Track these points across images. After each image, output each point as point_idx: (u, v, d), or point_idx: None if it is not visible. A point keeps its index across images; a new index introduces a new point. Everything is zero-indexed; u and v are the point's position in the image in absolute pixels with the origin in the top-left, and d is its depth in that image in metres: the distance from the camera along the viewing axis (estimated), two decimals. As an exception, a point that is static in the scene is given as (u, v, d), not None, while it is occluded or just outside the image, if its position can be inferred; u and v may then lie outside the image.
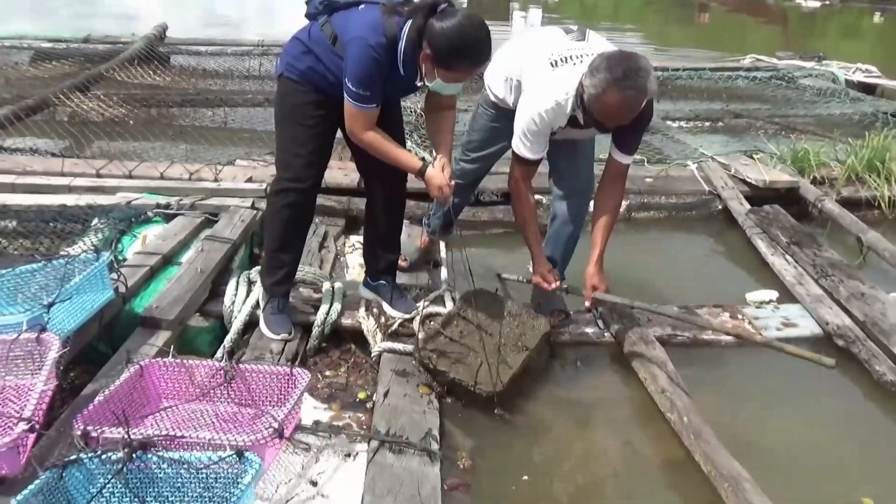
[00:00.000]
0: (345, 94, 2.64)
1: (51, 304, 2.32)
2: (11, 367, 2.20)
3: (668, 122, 6.54)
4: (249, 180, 4.35)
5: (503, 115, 3.20)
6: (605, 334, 3.32)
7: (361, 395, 2.93)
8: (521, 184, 3.05)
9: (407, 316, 3.20)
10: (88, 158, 4.69)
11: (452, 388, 2.88)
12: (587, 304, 3.17)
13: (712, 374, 3.17)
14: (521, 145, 2.94)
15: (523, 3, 22.63)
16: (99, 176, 4.35)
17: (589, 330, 3.35)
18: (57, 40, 8.23)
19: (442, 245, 4.00)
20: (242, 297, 3.16)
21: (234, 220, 3.67)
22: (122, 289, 2.90)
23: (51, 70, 7.16)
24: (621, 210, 4.71)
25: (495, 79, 3.18)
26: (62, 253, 3.16)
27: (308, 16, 2.84)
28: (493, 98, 3.24)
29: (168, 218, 3.69)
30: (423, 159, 2.83)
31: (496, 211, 4.65)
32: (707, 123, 6.81)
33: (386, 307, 3.25)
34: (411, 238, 3.98)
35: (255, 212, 3.81)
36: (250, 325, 3.13)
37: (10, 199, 3.82)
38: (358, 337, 3.21)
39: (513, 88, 3.08)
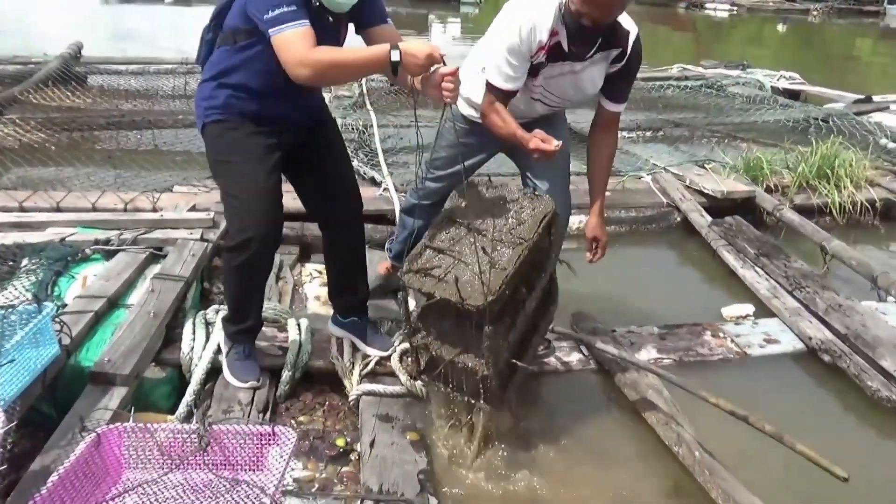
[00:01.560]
0: (269, 33, 2.21)
1: (-10, 371, 1.96)
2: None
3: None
4: (193, 208, 4.00)
5: (474, 132, 2.97)
6: (591, 362, 3.14)
7: (340, 442, 2.65)
8: (497, 110, 2.68)
9: (384, 353, 2.94)
10: (8, 189, 4.25)
11: (443, 369, 2.43)
12: (588, 255, 3.01)
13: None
14: (495, 72, 2.63)
15: (441, 17, 22.58)
16: (23, 210, 3.92)
17: (573, 357, 3.16)
18: (-38, 61, 7.60)
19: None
20: (202, 343, 2.83)
21: (184, 255, 3.32)
22: (66, 340, 2.53)
23: (-45, 93, 6.57)
24: (581, 226, 4.61)
25: (467, 84, 2.94)
26: (-8, 302, 2.77)
27: (201, 58, 2.58)
28: (464, 112, 3.00)
29: (108, 255, 3.31)
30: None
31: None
32: (648, 133, 6.77)
33: (360, 345, 2.98)
34: (371, 265, 3.69)
35: (205, 244, 3.46)
36: (212, 371, 2.80)
37: (-77, 240, 3.37)
38: (331, 378, 2.93)
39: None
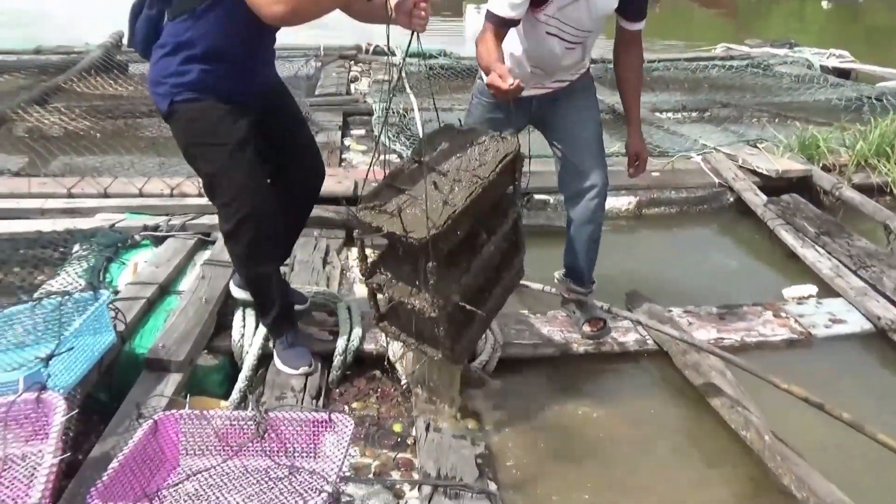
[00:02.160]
0: None
1: (49, 357, 1.93)
2: (10, 436, 1.81)
3: (658, 114, 6.32)
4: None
5: (501, 106, 2.83)
6: (649, 341, 3.04)
7: (397, 428, 2.59)
8: (486, 40, 2.53)
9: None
10: (57, 177, 4.27)
11: (397, 312, 2.33)
12: (630, 171, 3.00)
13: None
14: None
15: (478, 1, 22.40)
16: (71, 196, 3.93)
17: (631, 338, 3.06)
18: (6, 52, 7.68)
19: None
20: (252, 329, 2.79)
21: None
22: (121, 327, 2.51)
23: (2, 84, 6.67)
24: (630, 207, 4.53)
25: None
26: (46, 287, 2.76)
27: (139, 39, 2.40)
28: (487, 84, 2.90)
29: (158, 241, 3.30)
30: None
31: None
32: (695, 114, 6.60)
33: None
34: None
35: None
36: (263, 358, 2.76)
37: (-24, 228, 3.39)
38: (383, 363, 2.87)
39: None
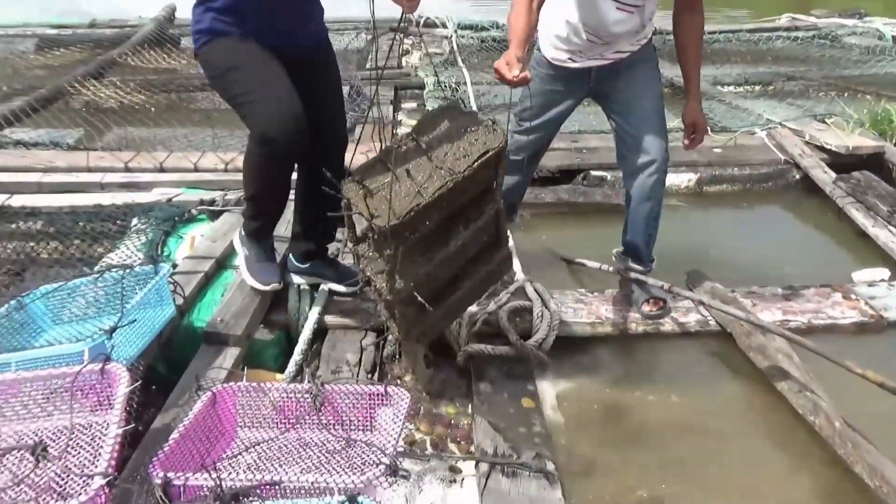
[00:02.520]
0: None
1: (113, 329, 1.98)
2: (76, 406, 1.86)
3: (720, 88, 6.17)
4: (292, 168, 3.99)
5: (559, 77, 2.87)
6: (711, 322, 2.98)
7: (451, 410, 2.60)
8: (519, 4, 2.49)
9: (353, 289, 2.85)
10: (114, 151, 4.36)
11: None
12: (686, 141, 2.92)
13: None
14: None
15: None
16: (128, 170, 4.01)
17: (692, 318, 3.00)
18: (62, 26, 7.82)
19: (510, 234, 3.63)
20: (308, 303, 2.82)
21: (287, 215, 3.30)
22: (179, 301, 2.55)
23: (59, 57, 6.81)
24: (690, 184, 4.44)
25: (547, 23, 2.81)
26: (106, 260, 2.82)
27: None
28: (547, 55, 2.88)
29: (213, 215, 3.34)
30: None
31: (560, 191, 4.27)
32: (758, 87, 6.42)
33: (331, 285, 2.88)
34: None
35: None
36: (319, 332, 2.79)
37: (38, 200, 3.48)
38: (438, 338, 2.86)
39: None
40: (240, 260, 2.76)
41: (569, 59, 2.82)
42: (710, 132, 4.81)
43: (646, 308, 2.96)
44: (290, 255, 2.90)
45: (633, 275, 3.02)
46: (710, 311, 2.99)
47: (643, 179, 2.85)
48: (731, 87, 6.36)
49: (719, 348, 2.92)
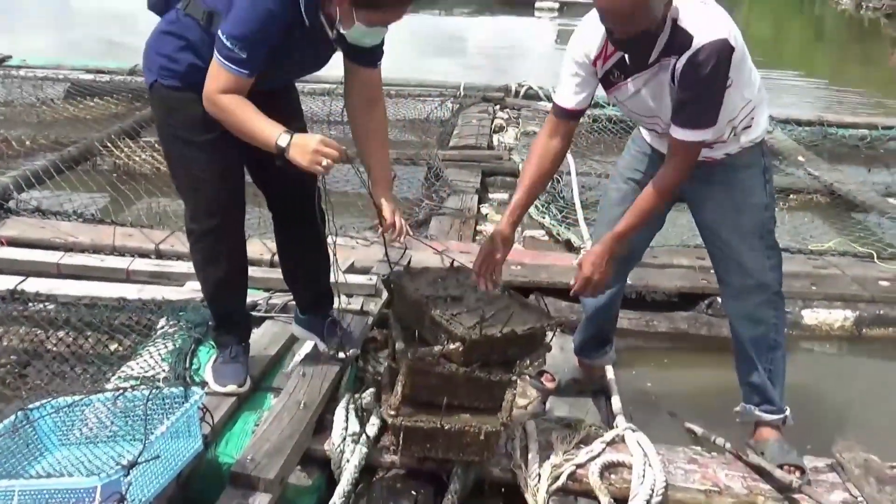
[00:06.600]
0: (215, 49, 2.49)
1: (132, 465, 2.11)
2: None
3: (891, 200, 6.14)
4: (352, 268, 4.16)
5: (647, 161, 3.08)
6: (860, 499, 2.92)
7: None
8: (539, 145, 2.92)
9: (347, 354, 3.23)
10: (145, 228, 4.63)
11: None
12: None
13: None
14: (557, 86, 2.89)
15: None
16: (160, 254, 4.26)
17: (837, 498, 2.94)
18: (98, 71, 8.38)
19: (609, 368, 3.69)
20: (354, 433, 2.89)
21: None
22: (206, 429, 2.69)
23: (91, 109, 7.31)
24: (847, 325, 4.39)
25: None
26: (126, 370, 3.01)
27: (153, 5, 2.77)
28: (647, 137, 3.09)
29: (254, 322, 3.50)
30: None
31: (677, 319, 4.32)
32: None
33: (320, 344, 3.25)
34: (564, 352, 3.69)
35: (365, 318, 3.58)
36: (365, 470, 2.87)
37: (56, 286, 3.74)
38: (511, 490, 2.92)
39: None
40: (208, 366, 3.10)
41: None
42: (875, 260, 4.81)
43: (779, 474, 2.92)
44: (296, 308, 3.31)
45: (764, 420, 3.04)
46: (862, 492, 2.94)
47: (744, 304, 2.98)
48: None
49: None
